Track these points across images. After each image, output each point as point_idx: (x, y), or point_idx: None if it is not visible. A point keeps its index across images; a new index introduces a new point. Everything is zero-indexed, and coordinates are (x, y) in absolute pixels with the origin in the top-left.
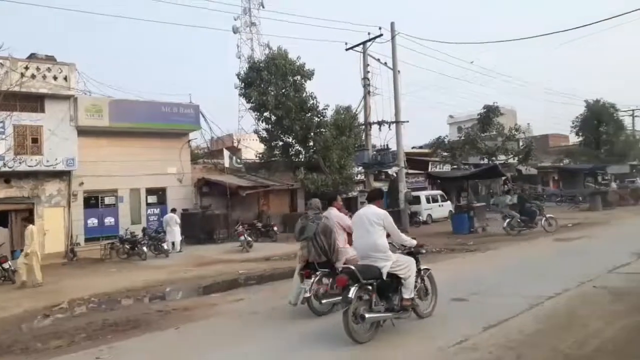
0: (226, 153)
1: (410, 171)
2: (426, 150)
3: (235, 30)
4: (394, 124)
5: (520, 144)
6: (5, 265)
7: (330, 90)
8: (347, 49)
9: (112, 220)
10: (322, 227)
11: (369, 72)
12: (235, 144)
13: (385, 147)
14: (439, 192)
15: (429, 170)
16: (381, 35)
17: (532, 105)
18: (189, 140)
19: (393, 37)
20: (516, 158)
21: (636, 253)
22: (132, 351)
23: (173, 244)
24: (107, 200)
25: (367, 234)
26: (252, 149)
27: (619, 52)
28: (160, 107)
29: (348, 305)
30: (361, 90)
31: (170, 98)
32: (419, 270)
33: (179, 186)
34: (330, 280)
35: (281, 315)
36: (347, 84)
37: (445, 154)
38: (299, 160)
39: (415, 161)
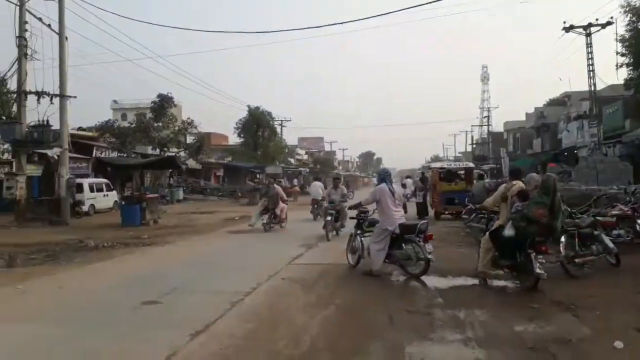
0: None
1: (72, 155)
2: (91, 134)
3: None
4: (58, 98)
5: (191, 138)
6: None
7: None
8: None
9: None
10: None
11: (26, 30)
12: None
13: (45, 123)
14: (105, 180)
15: (94, 155)
16: None
17: (194, 101)
18: None
19: None
20: (187, 151)
21: (304, 245)
22: None
23: None
24: None
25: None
26: None
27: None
28: None
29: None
30: (14, 51)
31: None
32: None
33: None
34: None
35: None
36: None
37: (114, 140)
38: None
39: (79, 144)
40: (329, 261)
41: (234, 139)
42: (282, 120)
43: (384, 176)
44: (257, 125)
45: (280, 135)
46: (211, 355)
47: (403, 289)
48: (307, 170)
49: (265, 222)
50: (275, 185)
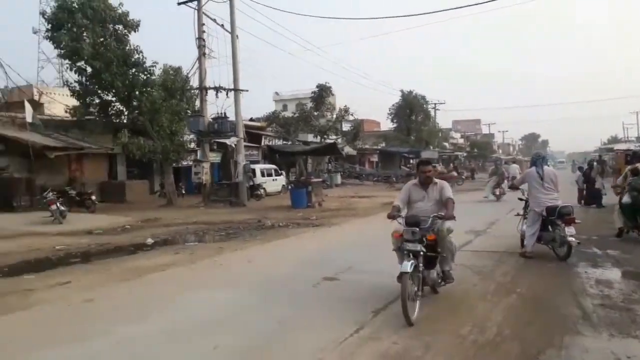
0: (27, 105)
1: (245, 144)
2: (259, 124)
3: None
4: (232, 92)
5: (346, 125)
6: None
7: (160, 48)
8: (179, 3)
9: None
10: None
11: (204, 31)
12: (37, 97)
13: (223, 115)
14: (273, 166)
15: (263, 143)
16: None
17: (346, 90)
18: None
19: None
20: (344, 138)
21: (472, 231)
22: None
23: None
24: None
25: None
26: (62, 104)
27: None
28: None
29: None
30: (195, 52)
31: None
32: None
33: None
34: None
35: (122, 303)
36: (178, 44)
37: (279, 129)
38: (121, 121)
39: (249, 134)
40: (503, 248)
41: (386, 125)
42: (435, 104)
43: (535, 159)
44: (410, 109)
45: (434, 119)
46: (396, 332)
47: (591, 279)
48: (464, 154)
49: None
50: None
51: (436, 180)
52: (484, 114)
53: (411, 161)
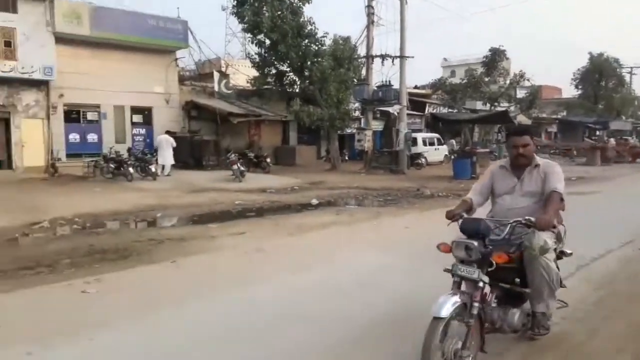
0: (216, 76)
1: (408, 112)
2: (424, 92)
3: None
4: (398, 59)
5: (522, 92)
6: None
7: (329, 18)
8: None
9: (95, 137)
10: None
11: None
12: (224, 69)
13: (388, 83)
14: (436, 135)
15: (426, 112)
16: None
17: (524, 53)
18: (177, 59)
19: None
20: (518, 106)
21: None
22: (123, 286)
23: (163, 167)
24: (90, 116)
25: None
26: (244, 74)
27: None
28: (146, 19)
29: None
30: (364, 21)
31: (156, 11)
32: None
33: (166, 107)
34: None
35: (288, 255)
36: (347, 14)
37: (445, 96)
38: (294, 90)
39: (413, 102)
40: None
41: (569, 92)
42: (632, 67)
43: None
44: (600, 74)
45: (629, 85)
46: (560, 315)
47: None
48: None
49: None
50: None
51: (538, 160)
52: None
53: (597, 132)
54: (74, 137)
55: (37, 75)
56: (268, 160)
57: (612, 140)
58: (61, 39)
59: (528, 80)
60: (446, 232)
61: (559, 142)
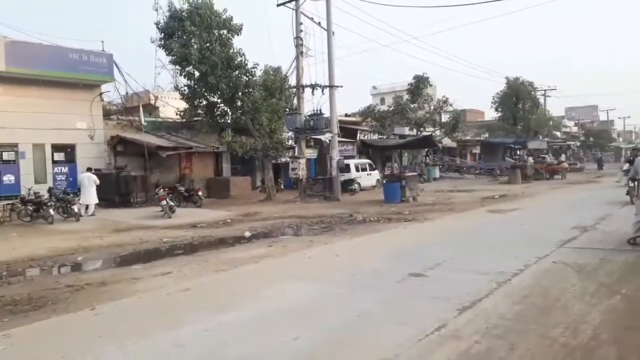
0: (141, 110)
1: (340, 139)
2: (354, 119)
3: None
4: (327, 89)
5: (446, 116)
6: None
7: (260, 49)
8: (278, 5)
9: (12, 178)
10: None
11: (301, 31)
12: (152, 101)
13: (319, 112)
14: (368, 161)
15: (357, 138)
16: None
17: (448, 80)
18: (101, 93)
19: None
20: (442, 130)
21: (578, 227)
22: (35, 340)
23: (87, 207)
24: (5, 156)
25: None
26: (173, 107)
27: (531, 35)
28: (67, 53)
29: None
30: (293, 51)
31: (80, 45)
32: None
33: (90, 143)
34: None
35: (215, 293)
36: (277, 44)
37: (375, 123)
38: (225, 121)
39: (344, 129)
40: (611, 246)
41: (490, 114)
42: (545, 90)
43: None
44: (517, 97)
45: (543, 107)
46: (479, 332)
47: None
48: (577, 144)
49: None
50: None
51: None
52: (599, 99)
53: (518, 152)
54: None
55: None
56: (200, 193)
57: (531, 159)
58: None
59: (451, 105)
60: (373, 257)
61: (482, 163)
